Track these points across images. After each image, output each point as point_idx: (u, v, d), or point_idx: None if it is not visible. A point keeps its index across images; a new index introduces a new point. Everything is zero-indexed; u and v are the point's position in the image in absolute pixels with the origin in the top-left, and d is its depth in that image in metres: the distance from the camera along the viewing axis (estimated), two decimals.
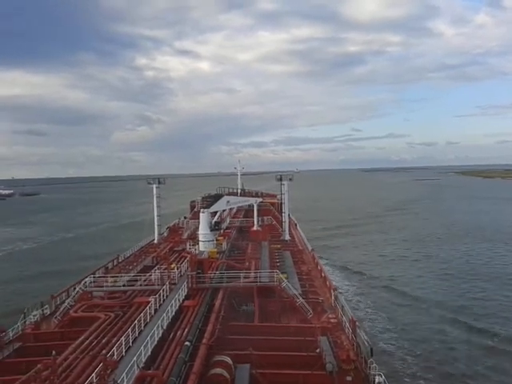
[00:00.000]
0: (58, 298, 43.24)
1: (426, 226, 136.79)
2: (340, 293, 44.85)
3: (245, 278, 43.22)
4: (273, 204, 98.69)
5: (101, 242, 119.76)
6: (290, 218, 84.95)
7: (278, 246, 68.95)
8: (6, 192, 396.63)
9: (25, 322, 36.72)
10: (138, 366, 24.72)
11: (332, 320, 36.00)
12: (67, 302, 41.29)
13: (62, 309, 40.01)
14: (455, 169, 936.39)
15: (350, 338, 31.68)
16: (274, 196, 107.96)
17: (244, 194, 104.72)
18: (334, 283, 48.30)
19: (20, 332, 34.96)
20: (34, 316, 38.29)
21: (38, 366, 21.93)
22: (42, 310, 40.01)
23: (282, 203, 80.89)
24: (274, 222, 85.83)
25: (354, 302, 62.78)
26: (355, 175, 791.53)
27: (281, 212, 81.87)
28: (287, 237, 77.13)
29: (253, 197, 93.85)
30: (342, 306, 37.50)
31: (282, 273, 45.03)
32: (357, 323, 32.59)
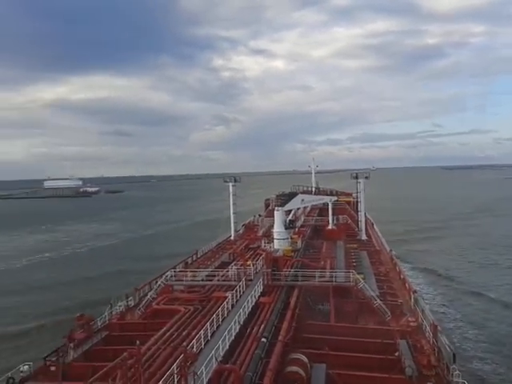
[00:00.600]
0: (141, 291, 45.46)
1: None
2: (420, 296, 43.14)
3: (320, 277, 42.93)
4: (348, 203, 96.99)
5: (177, 240, 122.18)
6: (366, 217, 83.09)
7: (354, 245, 67.72)
8: (93, 189, 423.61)
9: (111, 313, 39.05)
10: (216, 359, 25.42)
11: (412, 323, 34.76)
12: (150, 294, 43.37)
13: (145, 301, 42.12)
14: None
15: (431, 342, 30.44)
16: (349, 194, 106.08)
17: (318, 192, 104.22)
18: (413, 286, 46.54)
19: (107, 322, 37.25)
20: (119, 307, 40.65)
21: (124, 354, 23.16)
22: (127, 302, 42.30)
23: (357, 202, 79.36)
24: (350, 221, 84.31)
25: (436, 306, 59.92)
26: (436, 173, 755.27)
27: (357, 211, 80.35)
28: (364, 236, 75.56)
29: (327, 195, 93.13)
30: (423, 310, 36.12)
31: (359, 273, 44.20)
32: (438, 327, 31.23)
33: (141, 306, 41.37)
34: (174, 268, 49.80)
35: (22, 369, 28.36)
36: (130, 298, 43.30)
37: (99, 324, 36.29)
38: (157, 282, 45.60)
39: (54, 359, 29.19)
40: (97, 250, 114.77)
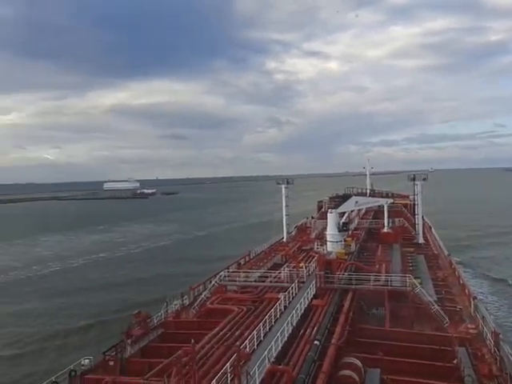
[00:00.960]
0: (196, 290, 46.38)
1: None
2: (481, 302, 41.30)
3: (375, 280, 42.03)
4: (405, 205, 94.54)
5: (229, 242, 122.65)
6: (423, 220, 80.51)
7: (411, 249, 65.81)
8: (150, 191, 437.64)
9: (167, 311, 40.11)
10: (269, 359, 25.50)
11: (471, 330, 33.37)
12: (204, 293, 44.20)
13: (199, 300, 42.97)
14: None
15: (493, 351, 29.07)
16: (405, 197, 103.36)
17: (373, 194, 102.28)
18: (474, 291, 44.62)
19: (163, 319, 38.30)
20: (174, 305, 41.69)
21: (179, 351, 23.76)
22: (182, 300, 43.30)
23: (414, 204, 77.03)
24: (407, 225, 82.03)
25: (501, 316, 56.93)
26: (499, 175, 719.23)
27: (413, 214, 77.99)
28: (421, 240, 73.24)
29: (383, 197, 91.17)
30: (483, 317, 34.54)
31: (416, 278, 42.91)
32: (500, 335, 29.79)
33: (195, 304, 42.22)
34: (228, 268, 50.46)
35: (82, 362, 29.78)
36: (185, 296, 44.28)
37: (155, 321, 37.36)
38: (211, 281, 46.36)
39: (112, 354, 30.34)
40: (150, 251, 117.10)
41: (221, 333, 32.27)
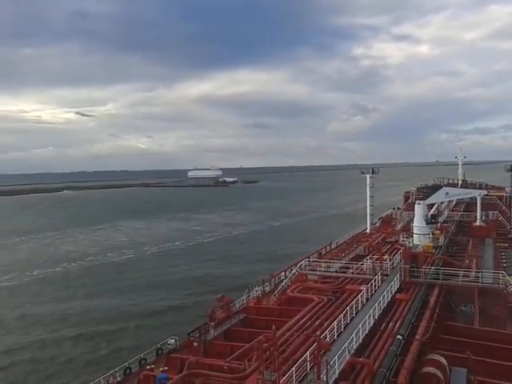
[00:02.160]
0: (277, 277, 47.07)
1: None
2: None
3: (464, 276, 39.98)
4: (500, 198, 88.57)
5: (302, 235, 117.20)
6: None
7: (505, 244, 61.59)
8: (231, 179, 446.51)
9: (249, 297, 41.19)
10: (349, 351, 25.38)
11: None
12: (284, 281, 44.78)
13: (280, 287, 43.63)
14: None
15: None
16: (501, 189, 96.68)
17: (465, 185, 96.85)
18: None
19: (244, 305, 39.45)
20: (256, 291, 42.67)
21: (260, 337, 24.37)
22: (263, 287, 44.22)
23: (511, 197, 71.83)
24: (501, 218, 76.75)
25: None
26: None
27: (510, 207, 72.77)
28: None
29: (475, 189, 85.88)
30: None
31: (509, 275, 40.18)
32: None
33: (276, 292, 42.94)
34: (308, 258, 50.56)
35: (169, 342, 31.60)
36: (266, 283, 45.14)
37: (237, 306, 38.54)
38: (291, 270, 46.78)
39: (196, 336, 31.85)
40: (223, 241, 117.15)
41: (301, 321, 32.57)
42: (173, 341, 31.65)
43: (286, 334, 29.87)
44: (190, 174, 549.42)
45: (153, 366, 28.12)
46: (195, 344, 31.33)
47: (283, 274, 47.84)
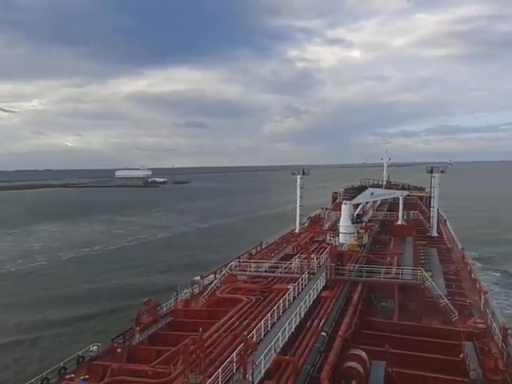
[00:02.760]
0: (206, 279, 46.84)
1: None
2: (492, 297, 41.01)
3: (386, 273, 41.93)
4: (421, 198, 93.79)
5: (231, 237, 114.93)
6: (438, 213, 79.75)
7: (424, 242, 65.42)
8: (161, 180, 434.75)
9: (177, 299, 40.62)
10: (275, 350, 25.78)
11: (480, 325, 33.22)
12: (214, 283, 44.65)
13: (209, 289, 43.42)
14: None
15: (500, 346, 28.93)
16: (422, 189, 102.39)
17: (389, 186, 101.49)
18: (484, 286, 44.26)
19: (172, 307, 38.83)
20: (184, 294, 42.20)
21: (187, 340, 24.13)
22: (192, 289, 43.81)
23: (430, 197, 76.30)
24: (421, 217, 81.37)
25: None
26: None
27: (429, 207, 77.30)
28: (434, 233, 72.67)
29: (399, 189, 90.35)
30: (493, 311, 34.35)
31: (427, 271, 42.63)
32: (509, 331, 29.60)
33: (205, 293, 42.70)
34: (239, 258, 50.78)
35: (91, 349, 30.39)
36: (195, 285, 44.77)
37: (165, 310, 37.89)
38: (221, 271, 46.77)
39: (120, 341, 30.91)
40: (148, 244, 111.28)
41: (229, 322, 32.65)
42: (95, 348, 30.46)
43: (214, 336, 29.81)
44: (117, 173, 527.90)
45: (73, 374, 26.85)
46: (119, 350, 30.34)
47: (213, 275, 47.69)
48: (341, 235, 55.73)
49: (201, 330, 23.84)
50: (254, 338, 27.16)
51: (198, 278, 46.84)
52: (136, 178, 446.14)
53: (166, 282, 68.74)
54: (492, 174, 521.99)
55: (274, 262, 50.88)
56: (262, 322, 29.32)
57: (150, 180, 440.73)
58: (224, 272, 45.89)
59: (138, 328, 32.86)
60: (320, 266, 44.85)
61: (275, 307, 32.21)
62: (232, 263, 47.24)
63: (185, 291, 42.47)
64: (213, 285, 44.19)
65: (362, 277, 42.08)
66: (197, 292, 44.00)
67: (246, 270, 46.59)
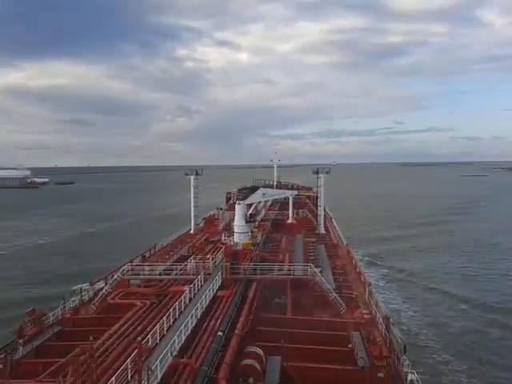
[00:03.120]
0: (97, 285, 44.53)
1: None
2: (375, 288, 44.30)
3: (278, 270, 43.31)
4: (309, 197, 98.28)
5: (119, 240, 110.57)
6: (325, 211, 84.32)
7: (313, 239, 68.66)
8: (41, 180, 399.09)
9: (64, 307, 38.04)
10: (171, 353, 25.24)
11: (365, 315, 35.62)
12: (105, 288, 42.57)
13: (100, 295, 41.30)
14: (500, 164, 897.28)
15: (383, 334, 31.28)
16: (310, 189, 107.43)
17: (280, 186, 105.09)
18: (368, 278, 47.71)
19: (60, 317, 36.23)
20: (73, 301, 39.67)
21: (76, 350, 22.71)
22: (81, 296, 41.36)
23: (317, 197, 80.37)
24: (310, 216, 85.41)
25: (389, 299, 61.64)
26: (395, 169, 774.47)
27: (316, 205, 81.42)
28: (322, 230, 76.68)
29: (288, 189, 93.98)
30: (376, 302, 37.08)
31: (316, 266, 44.79)
32: (390, 319, 32.18)
33: (95, 300, 40.56)
34: (131, 262, 49.05)
35: None
36: (84, 292, 42.37)
37: (51, 319, 35.30)
38: (113, 275, 44.78)
39: (1, 356, 28.20)
40: (24, 252, 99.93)
41: (122, 328, 31.36)
42: None
43: (106, 344, 28.39)
44: None
45: None
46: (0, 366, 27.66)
47: (103, 281, 45.47)
48: (235, 235, 56.32)
49: (91, 338, 22.64)
50: (150, 343, 26.37)
51: (87, 284, 44.44)
52: (11, 179, 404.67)
53: (50, 292, 62.62)
54: (370, 174, 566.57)
55: (168, 264, 49.92)
56: (158, 325, 28.56)
57: (29, 180, 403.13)
58: (116, 277, 43.92)
59: (21, 340, 30.15)
60: (216, 266, 44.92)
61: (171, 310, 31.59)
62: (124, 267, 45.36)
63: (73, 299, 39.93)
64: (104, 291, 42.07)
65: (256, 275, 42.96)
66: (86, 299, 41.56)
67: (139, 274, 45.11)
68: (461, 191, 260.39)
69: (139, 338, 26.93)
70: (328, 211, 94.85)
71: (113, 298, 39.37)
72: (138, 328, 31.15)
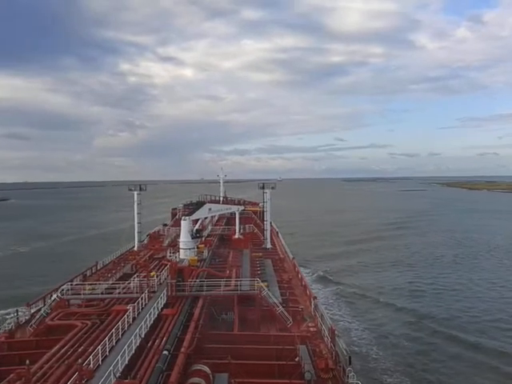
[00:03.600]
0: (34, 306, 42.35)
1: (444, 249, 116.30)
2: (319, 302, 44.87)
3: (225, 286, 42.93)
4: (255, 212, 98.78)
5: (56, 260, 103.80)
6: (271, 226, 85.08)
7: (260, 254, 68.86)
8: None
9: None
10: (114, 375, 24.32)
11: (311, 329, 36.01)
12: (43, 309, 40.51)
13: (37, 317, 39.22)
14: (436, 180, 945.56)
15: (329, 346, 31.71)
16: (256, 204, 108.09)
17: (226, 201, 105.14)
18: (314, 292, 48.33)
19: None
20: (8, 324, 37.47)
21: (11, 375, 21.46)
22: (17, 318, 39.18)
23: (264, 211, 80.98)
24: (256, 230, 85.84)
25: (335, 312, 62.67)
26: (338, 185, 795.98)
27: (263, 220, 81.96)
28: (269, 245, 77.18)
29: (235, 204, 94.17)
30: (322, 315, 37.55)
31: (263, 281, 44.93)
32: (336, 332, 32.69)
33: (33, 322, 38.46)
34: (71, 281, 47.10)
35: None
36: (20, 314, 40.15)
37: None
38: (51, 296, 42.76)
39: None
40: None
41: (61, 351, 29.92)
42: None
43: (44, 367, 26.97)
44: None
45: None
46: None
47: (41, 301, 43.31)
48: (181, 251, 55.59)
49: (28, 362, 21.50)
50: (91, 365, 25.29)
51: (24, 306, 42.15)
52: None
53: None
54: (314, 189, 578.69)
55: (111, 282, 48.37)
56: (99, 346, 27.46)
57: None
58: (55, 297, 41.95)
59: None
60: (161, 284, 43.97)
61: (113, 330, 30.50)
62: (64, 287, 43.45)
63: (8, 321, 37.70)
64: (42, 312, 40.01)
65: (202, 291, 42.42)
66: (23, 321, 39.39)
67: (79, 294, 43.30)
68: (403, 205, 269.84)
69: (80, 361, 25.82)
70: (274, 226, 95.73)
71: (52, 319, 37.50)
72: (79, 350, 29.84)
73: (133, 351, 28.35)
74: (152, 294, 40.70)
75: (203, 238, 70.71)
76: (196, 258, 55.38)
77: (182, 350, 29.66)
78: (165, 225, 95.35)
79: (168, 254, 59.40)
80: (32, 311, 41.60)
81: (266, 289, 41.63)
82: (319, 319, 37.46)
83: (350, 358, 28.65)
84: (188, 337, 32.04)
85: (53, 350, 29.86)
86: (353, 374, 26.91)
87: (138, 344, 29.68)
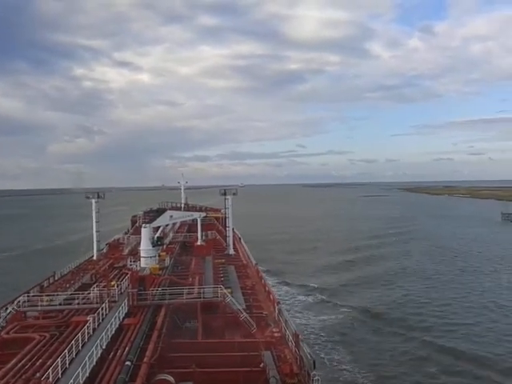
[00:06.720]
0: None
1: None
2: (284, 307, 45.10)
3: (188, 293, 42.53)
4: (217, 218, 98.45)
5: (4, 275, 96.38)
6: (234, 232, 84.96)
7: (222, 260, 68.58)
8: None
9: None
10: None
11: (276, 334, 36.14)
12: None
13: None
14: (395, 185, 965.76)
15: (294, 351, 31.89)
16: (218, 210, 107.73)
17: (188, 208, 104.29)
18: (277, 297, 48.53)
19: None
20: None
21: None
22: None
23: (226, 218, 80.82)
24: (218, 237, 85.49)
25: (298, 316, 63.12)
26: (299, 190, 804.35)
27: (225, 226, 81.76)
28: (231, 251, 76.99)
29: (196, 211, 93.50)
30: (286, 320, 37.75)
31: (226, 288, 44.77)
32: (300, 336, 32.92)
33: None
34: (28, 292, 45.39)
35: None
36: None
37: None
38: (7, 308, 41.04)
39: None
40: None
41: (19, 365, 28.66)
42: None
43: (0, 383, 25.88)
44: None
45: None
46: None
47: None
48: (142, 259, 54.52)
49: None
50: (50, 379, 24.51)
51: None
52: None
53: None
54: (276, 195, 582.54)
55: (70, 293, 46.94)
56: (59, 359, 26.63)
57: None
58: (10, 309, 40.31)
59: None
60: (121, 293, 43.09)
61: (73, 341, 29.66)
62: (20, 299, 41.83)
63: None
64: None
65: (165, 300, 41.82)
66: None
67: (37, 305, 41.80)
68: (372, 212, 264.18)
69: (38, 374, 25.01)
70: (236, 232, 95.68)
71: (7, 333, 35.94)
72: (37, 363, 28.73)
73: (94, 363, 27.68)
74: (113, 304, 39.86)
75: (165, 246, 69.77)
76: (158, 266, 54.47)
77: (145, 359, 29.16)
78: (125, 233, 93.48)
79: (128, 263, 58.20)
80: None
81: (229, 295, 41.50)
82: (283, 324, 37.65)
83: (314, 362, 28.94)
84: (151, 346, 31.53)
85: (9, 365, 28.61)
86: (317, 377, 27.18)
87: (99, 355, 28.99)
